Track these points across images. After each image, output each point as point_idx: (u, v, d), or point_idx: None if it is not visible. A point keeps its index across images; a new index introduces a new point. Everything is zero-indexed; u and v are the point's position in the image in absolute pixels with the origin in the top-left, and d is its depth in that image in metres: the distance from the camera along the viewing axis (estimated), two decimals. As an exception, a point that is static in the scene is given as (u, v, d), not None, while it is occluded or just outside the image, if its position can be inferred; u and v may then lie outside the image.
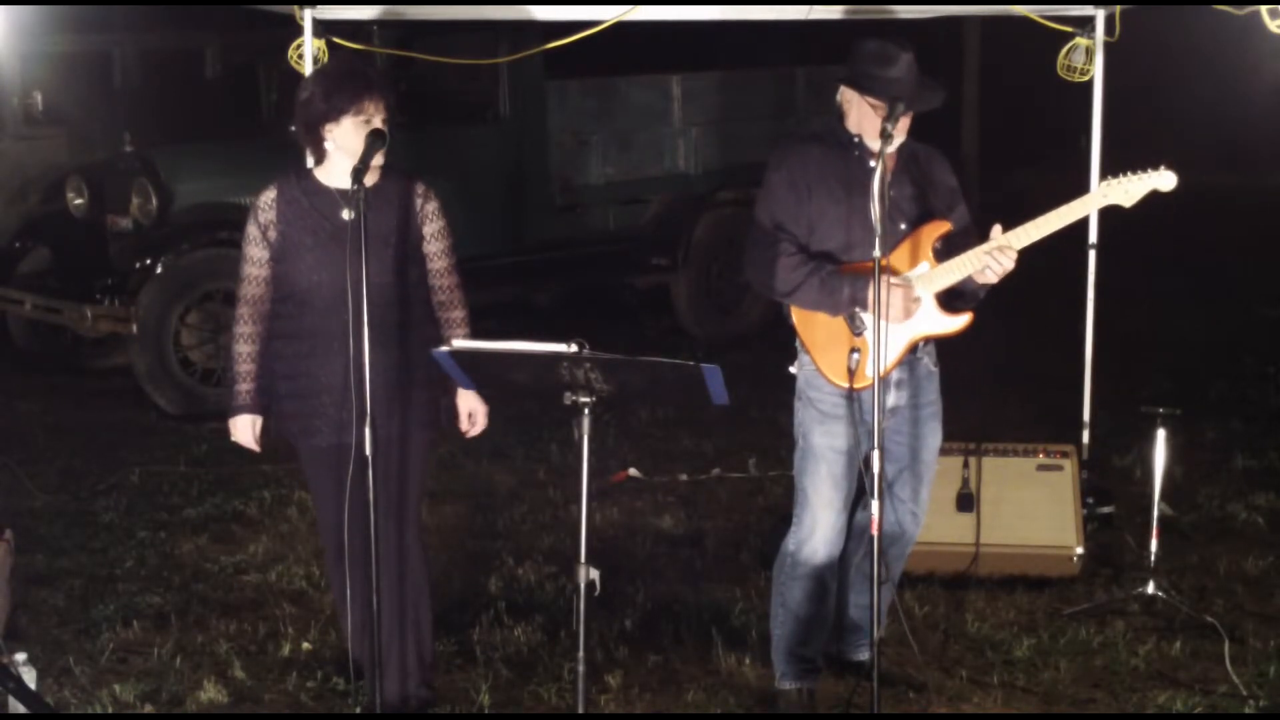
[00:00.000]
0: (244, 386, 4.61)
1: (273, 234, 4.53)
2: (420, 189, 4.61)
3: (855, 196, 4.42)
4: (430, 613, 4.77)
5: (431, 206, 4.61)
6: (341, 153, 4.43)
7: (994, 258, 4.42)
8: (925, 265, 4.53)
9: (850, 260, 4.50)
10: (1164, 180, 4.42)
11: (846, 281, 4.44)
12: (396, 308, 4.52)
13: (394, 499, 4.58)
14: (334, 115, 4.41)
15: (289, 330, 4.57)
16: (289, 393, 4.59)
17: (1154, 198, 4.52)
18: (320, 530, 4.86)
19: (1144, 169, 4.43)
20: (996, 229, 4.49)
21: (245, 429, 4.63)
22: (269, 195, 4.56)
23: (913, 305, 4.49)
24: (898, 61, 4.42)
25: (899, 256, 4.50)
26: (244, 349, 4.61)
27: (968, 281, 4.50)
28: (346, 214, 4.32)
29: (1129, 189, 4.44)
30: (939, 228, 4.55)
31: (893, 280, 4.38)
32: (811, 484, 4.66)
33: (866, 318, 4.42)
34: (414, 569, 4.68)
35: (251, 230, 4.56)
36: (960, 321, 4.55)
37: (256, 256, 4.57)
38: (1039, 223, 4.46)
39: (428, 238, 4.60)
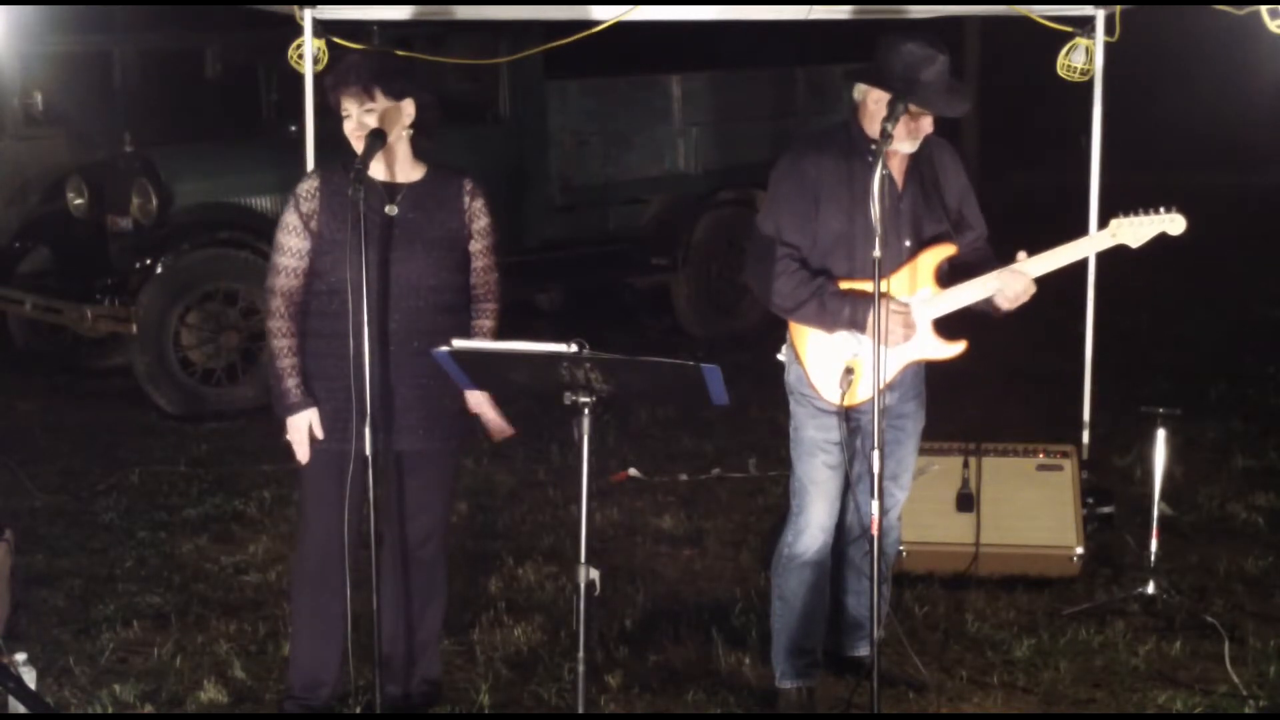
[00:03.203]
0: (293, 382, 4.40)
1: (315, 225, 4.38)
2: (469, 186, 4.51)
3: (865, 209, 4.33)
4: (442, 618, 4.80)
5: (479, 204, 4.51)
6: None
7: (1006, 281, 4.43)
8: (927, 290, 4.53)
9: (854, 273, 4.48)
10: (1173, 224, 4.42)
11: (848, 303, 4.43)
12: (443, 313, 4.45)
13: (425, 508, 4.55)
14: (337, 111, 4.39)
15: (326, 329, 4.41)
16: (321, 395, 4.44)
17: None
18: (307, 543, 4.63)
19: (1155, 209, 4.43)
20: (1022, 255, 4.49)
21: (303, 428, 4.41)
22: (312, 184, 4.43)
23: (910, 332, 4.49)
24: (935, 64, 4.34)
25: (901, 279, 4.48)
26: (285, 343, 4.42)
27: (985, 300, 4.51)
28: (390, 209, 4.26)
29: (1138, 231, 4.45)
30: (944, 251, 4.54)
31: (894, 307, 4.38)
32: (808, 475, 4.68)
33: (861, 338, 4.44)
34: (437, 577, 4.69)
35: (291, 219, 4.41)
36: (955, 349, 4.56)
37: (295, 247, 4.40)
38: (1047, 256, 4.46)
39: (474, 235, 4.52)
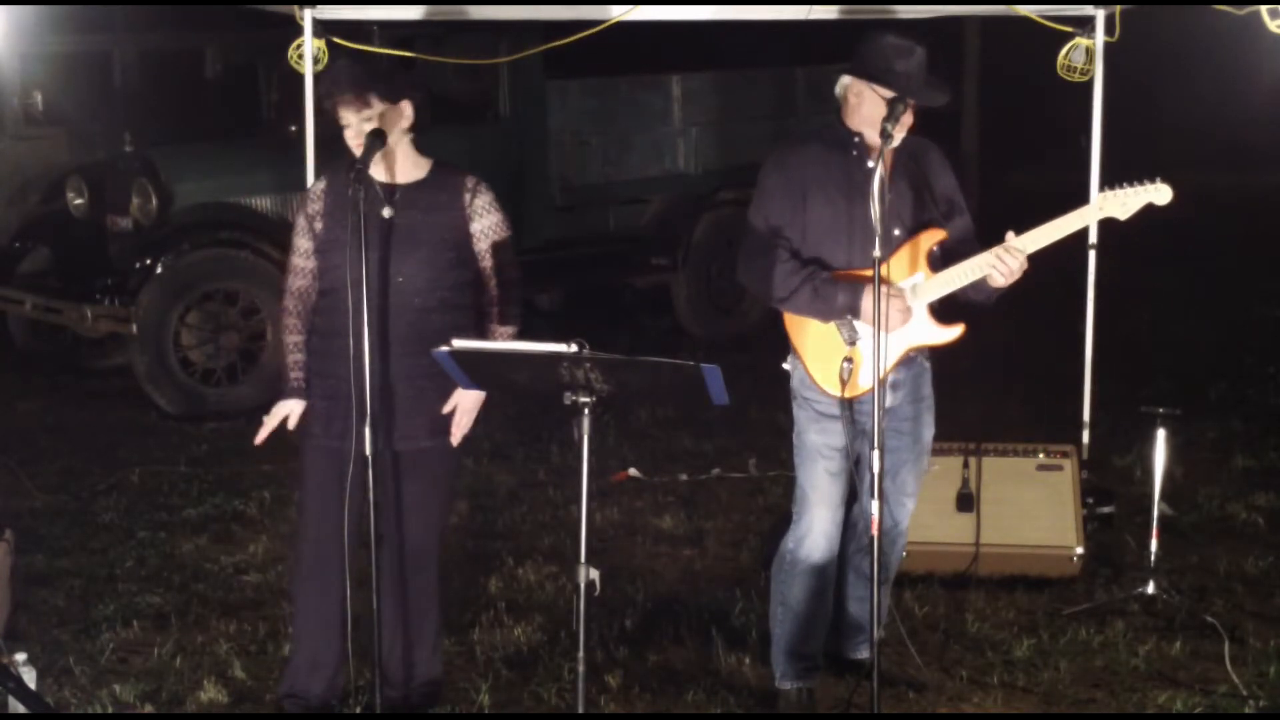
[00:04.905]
0: (297, 374, 4.52)
1: (318, 225, 4.47)
2: (470, 183, 4.50)
3: (853, 201, 4.39)
4: (440, 615, 4.79)
5: (481, 202, 4.49)
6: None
7: (1000, 259, 4.42)
8: (920, 275, 4.53)
9: (847, 266, 4.48)
10: (1159, 194, 4.41)
11: (841, 289, 4.43)
12: (437, 313, 4.44)
13: (423, 508, 4.55)
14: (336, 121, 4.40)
15: (325, 327, 4.48)
16: (320, 391, 4.50)
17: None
18: (303, 538, 4.66)
19: (1140, 181, 4.43)
20: (1010, 234, 4.48)
21: (280, 415, 4.50)
22: (319, 186, 4.53)
23: (906, 315, 4.49)
24: (912, 55, 4.39)
25: (894, 265, 4.46)
26: (294, 338, 4.53)
27: (980, 288, 4.50)
28: (386, 211, 4.29)
29: (1125, 202, 4.43)
30: (934, 236, 4.54)
31: (890, 293, 4.37)
32: (809, 481, 4.66)
33: (859, 325, 4.43)
34: (430, 574, 4.68)
35: (300, 220, 4.52)
36: (953, 333, 4.55)
37: (303, 247, 4.51)
38: (1038, 232, 4.45)
39: (476, 235, 4.49)
